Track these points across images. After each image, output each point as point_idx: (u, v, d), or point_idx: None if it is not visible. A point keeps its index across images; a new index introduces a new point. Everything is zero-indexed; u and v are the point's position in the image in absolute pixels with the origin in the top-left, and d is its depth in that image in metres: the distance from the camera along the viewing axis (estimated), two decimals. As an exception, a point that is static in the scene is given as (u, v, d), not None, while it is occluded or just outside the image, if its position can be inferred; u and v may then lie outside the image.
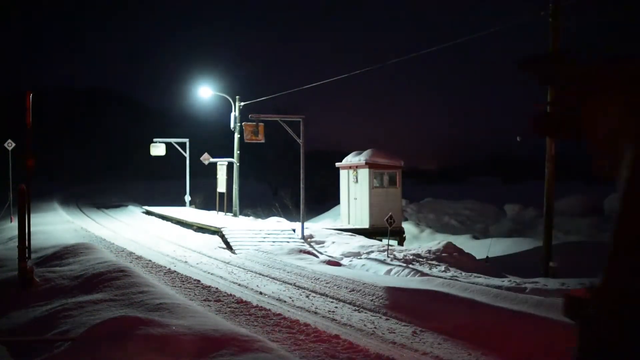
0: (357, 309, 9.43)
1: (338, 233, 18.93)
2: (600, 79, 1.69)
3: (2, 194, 26.18)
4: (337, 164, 24.10)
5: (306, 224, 19.32)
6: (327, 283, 11.26)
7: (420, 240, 25.46)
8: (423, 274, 12.68)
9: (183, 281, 11.53)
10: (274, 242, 17.23)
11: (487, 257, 16.75)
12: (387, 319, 8.76)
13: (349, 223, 22.63)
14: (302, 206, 18.72)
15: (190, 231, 21.46)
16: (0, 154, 24.45)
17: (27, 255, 10.22)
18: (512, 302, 8.51)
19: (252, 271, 13.12)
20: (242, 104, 25.45)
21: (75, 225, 22.30)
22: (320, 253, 16.06)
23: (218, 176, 25.97)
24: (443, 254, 16.00)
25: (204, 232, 20.60)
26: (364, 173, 21.92)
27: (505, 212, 35.55)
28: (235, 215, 24.96)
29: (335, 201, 29.42)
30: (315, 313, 9.11)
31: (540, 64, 1.86)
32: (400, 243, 20.92)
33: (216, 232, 19.48)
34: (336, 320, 8.66)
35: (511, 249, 20.36)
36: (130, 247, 16.84)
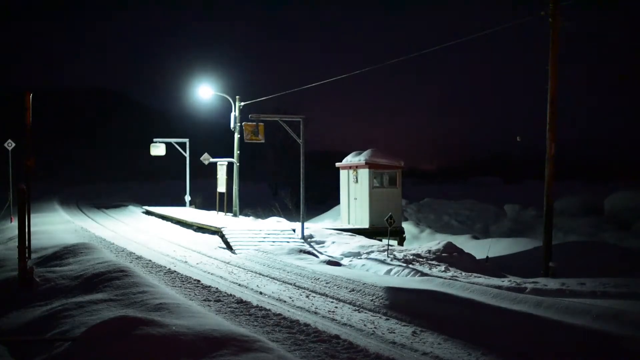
0: (357, 309, 9.44)
1: (338, 233, 18.92)
2: None
3: (2, 194, 26.19)
4: (337, 164, 24.09)
5: (306, 224, 19.32)
6: (327, 283, 11.26)
7: (420, 240, 25.45)
8: (423, 274, 12.68)
9: (183, 281, 11.53)
10: (274, 242, 17.23)
11: (487, 257, 16.74)
12: (387, 319, 8.77)
13: (349, 223, 22.64)
14: (302, 206, 18.72)
15: (190, 231, 21.46)
16: (0, 154, 24.45)
17: (27, 255, 10.22)
18: (512, 302, 8.51)
19: (252, 271, 13.12)
20: (242, 104, 25.45)
21: (75, 225, 22.29)
22: (320, 253, 16.06)
23: (218, 176, 25.95)
24: (443, 254, 16.00)
25: (204, 232, 20.60)
26: (364, 173, 21.92)
27: (505, 212, 35.55)
28: (235, 215, 24.95)
29: (335, 201, 29.42)
30: (315, 313, 9.11)
31: None
32: (400, 243, 20.91)
33: (216, 232, 19.48)
34: (336, 320, 8.66)
35: (511, 249, 20.34)
36: (130, 247, 16.84)
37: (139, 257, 14.70)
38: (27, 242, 10.47)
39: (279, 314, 8.74)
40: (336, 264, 13.86)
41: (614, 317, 7.35)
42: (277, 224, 21.79)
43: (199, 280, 11.58)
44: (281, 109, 40.05)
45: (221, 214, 25.65)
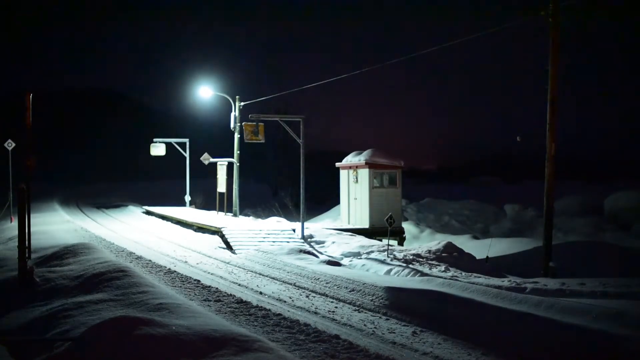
0: (357, 309, 9.44)
1: (338, 233, 18.92)
2: None
3: (2, 194, 26.17)
4: (337, 164, 24.09)
5: (306, 224, 19.32)
6: (327, 283, 11.26)
7: (420, 240, 25.45)
8: (423, 274, 12.68)
9: (183, 281, 11.53)
10: (274, 242, 17.23)
11: (487, 257, 16.73)
12: (387, 319, 8.77)
13: (349, 223, 22.63)
14: (302, 206, 18.72)
15: (191, 231, 21.46)
16: (0, 154, 24.45)
17: (27, 255, 10.22)
18: (512, 302, 8.50)
19: (252, 271, 13.12)
20: (242, 104, 25.45)
21: (75, 225, 22.29)
22: (320, 253, 16.06)
23: (218, 176, 25.96)
24: (443, 254, 16.00)
25: (204, 232, 20.59)
26: (364, 173, 21.92)
27: (505, 212, 35.56)
28: (235, 215, 24.95)
29: (335, 201, 29.41)
30: (315, 313, 9.11)
31: None
32: (400, 243, 20.91)
33: (216, 232, 19.48)
34: (336, 320, 8.66)
35: (511, 249, 20.33)
36: (130, 247, 16.84)
37: (139, 257, 14.70)
38: (27, 242, 10.47)
39: (279, 314, 8.74)
40: (336, 264, 13.85)
41: (614, 317, 7.35)
42: (277, 224, 21.80)
43: (199, 280, 11.58)
44: (281, 109, 40.08)
45: (221, 214, 25.65)
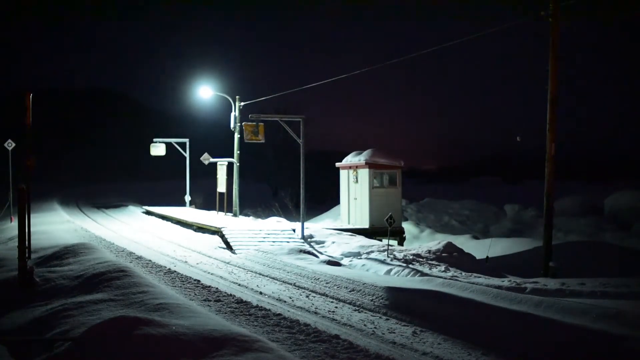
0: (357, 309, 9.44)
1: (338, 233, 18.93)
2: None
3: (2, 194, 26.17)
4: (337, 164, 24.10)
5: (306, 224, 19.32)
6: (327, 283, 11.26)
7: (420, 240, 25.44)
8: (423, 274, 12.68)
9: (183, 281, 11.53)
10: (274, 242, 17.23)
11: (487, 257, 16.73)
12: (387, 319, 8.77)
13: (349, 223, 22.63)
14: (302, 206, 18.72)
15: (190, 231, 21.46)
16: (0, 154, 24.45)
17: (27, 255, 10.22)
18: (512, 302, 8.50)
19: (252, 271, 13.12)
20: (242, 104, 25.44)
21: (75, 225, 22.29)
22: (320, 253, 16.06)
23: (218, 176, 25.96)
24: (443, 254, 16.00)
25: (204, 232, 20.59)
26: (364, 173, 21.92)
27: (505, 212, 35.55)
28: (235, 215, 24.95)
29: (335, 201, 29.41)
30: (315, 313, 9.11)
31: None
32: (400, 243, 20.91)
33: (216, 232, 19.48)
34: (336, 320, 8.66)
35: (511, 249, 20.32)
36: (130, 247, 16.84)
37: (139, 257, 14.70)
38: (27, 242, 10.47)
39: (279, 314, 8.74)
40: (336, 264, 13.86)
41: (614, 317, 7.35)
42: (277, 224, 21.79)
43: (199, 280, 11.58)
44: (281, 109, 40.09)
45: (221, 213, 25.65)
